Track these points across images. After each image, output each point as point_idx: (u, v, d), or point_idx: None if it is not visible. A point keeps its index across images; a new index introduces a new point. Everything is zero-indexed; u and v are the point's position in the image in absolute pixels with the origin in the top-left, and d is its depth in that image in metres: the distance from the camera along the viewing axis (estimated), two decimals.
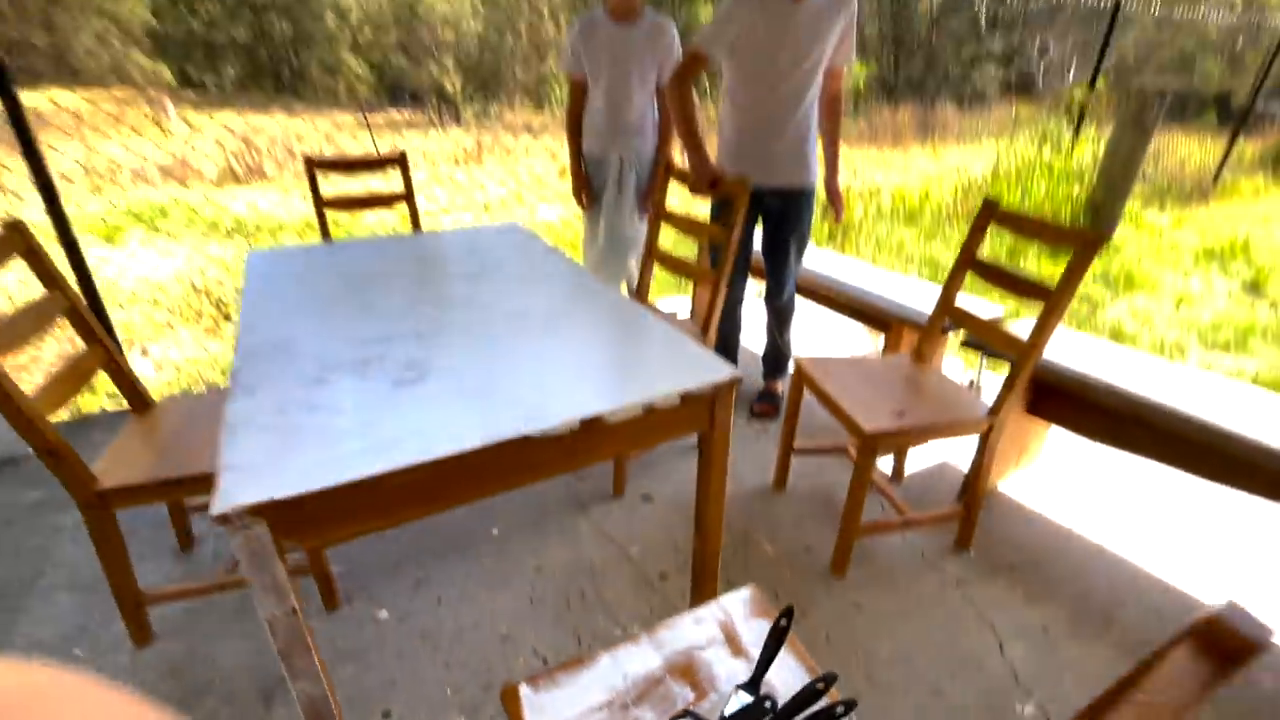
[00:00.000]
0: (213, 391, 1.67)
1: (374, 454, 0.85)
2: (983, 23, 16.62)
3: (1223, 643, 0.40)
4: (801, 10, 1.85)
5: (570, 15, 17.55)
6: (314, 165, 2.21)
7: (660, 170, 2.04)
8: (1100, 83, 6.20)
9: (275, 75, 24.25)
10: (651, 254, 2.02)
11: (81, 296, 1.49)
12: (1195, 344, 3.47)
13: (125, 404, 2.51)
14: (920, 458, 2.19)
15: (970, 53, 18.59)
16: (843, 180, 2.37)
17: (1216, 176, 6.64)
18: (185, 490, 1.32)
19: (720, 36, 1.91)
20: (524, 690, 0.86)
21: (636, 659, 0.92)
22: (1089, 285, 4.20)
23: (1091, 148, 5.21)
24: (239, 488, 0.78)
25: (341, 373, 1.08)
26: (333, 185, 2.37)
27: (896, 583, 1.68)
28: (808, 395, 1.81)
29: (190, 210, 5.68)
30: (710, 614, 0.98)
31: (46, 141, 2.12)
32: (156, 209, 5.84)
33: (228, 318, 3.60)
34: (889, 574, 1.71)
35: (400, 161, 2.29)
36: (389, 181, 2.39)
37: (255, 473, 0.82)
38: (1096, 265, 4.50)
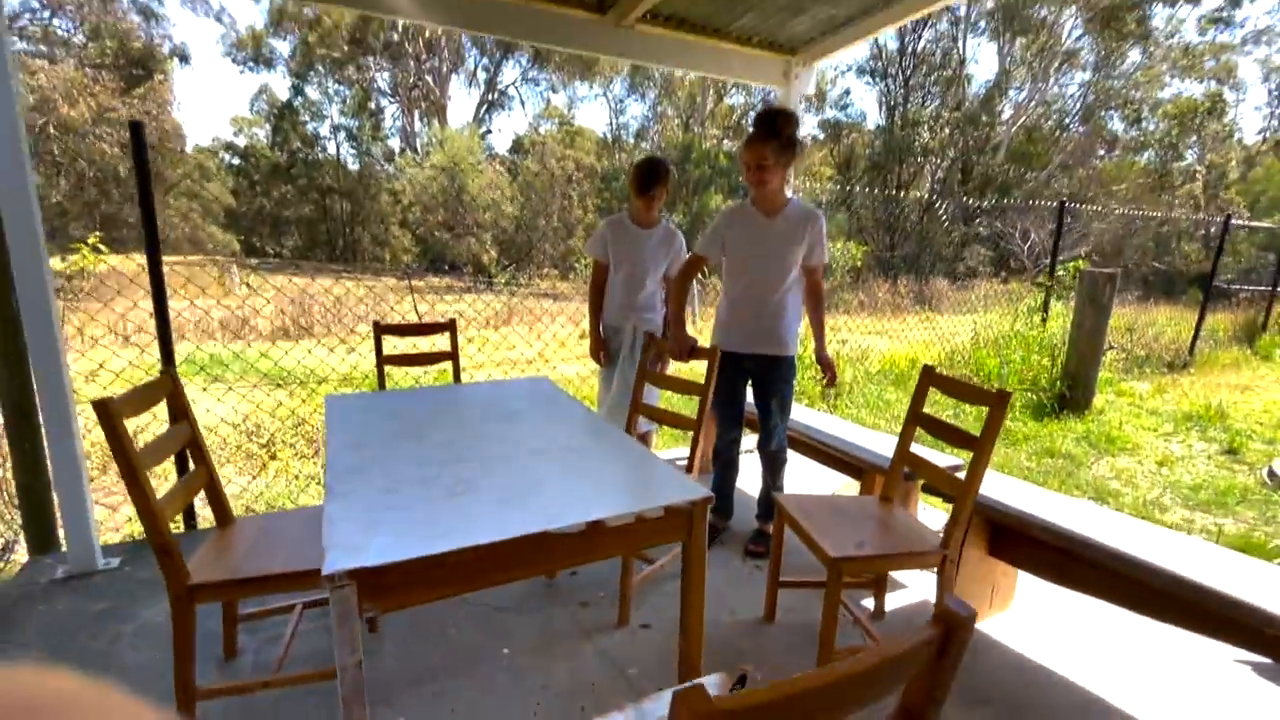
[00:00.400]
0: (281, 513, 1.97)
1: (434, 540, 1.15)
2: (942, 213, 18.43)
3: (950, 619, 0.67)
4: (775, 225, 2.40)
5: (596, 199, 19.86)
6: (380, 330, 2.69)
7: (647, 342, 2.48)
8: (1078, 263, 6.93)
9: (331, 246, 26.99)
10: (636, 407, 2.39)
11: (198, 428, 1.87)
12: (1177, 503, 3.65)
13: (183, 528, 2.81)
14: (901, 599, 2.36)
15: (960, 236, 20.48)
16: (834, 348, 2.79)
17: (1192, 348, 7.11)
18: (256, 589, 1.59)
19: (714, 243, 2.46)
20: None
21: None
22: (1072, 445, 4.46)
23: (1062, 321, 5.74)
24: (339, 559, 1.08)
25: (408, 485, 1.40)
26: (384, 344, 2.84)
27: None
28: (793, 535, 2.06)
29: (247, 361, 6.31)
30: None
31: (131, 298, 2.64)
32: (216, 359, 6.48)
33: (274, 458, 3.97)
34: None
35: (450, 327, 2.78)
36: (433, 342, 2.86)
37: (349, 550, 1.12)
38: (1078, 427, 4.80)
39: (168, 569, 1.51)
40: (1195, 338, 7.22)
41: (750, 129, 2.32)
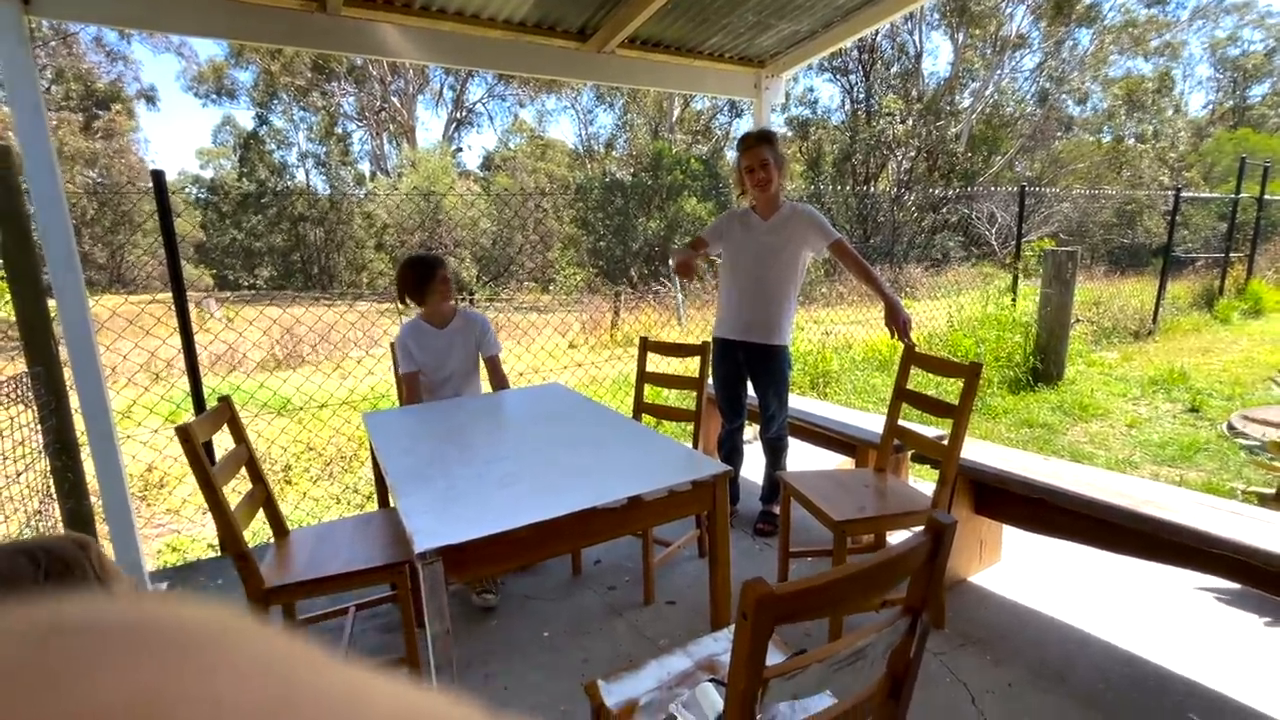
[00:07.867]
0: (330, 523, 2.14)
1: (500, 520, 1.34)
2: (910, 203, 18.94)
3: (936, 525, 0.88)
4: (770, 225, 2.61)
5: (570, 210, 20.07)
6: None
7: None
8: (1042, 243, 7.25)
9: (306, 274, 26.82)
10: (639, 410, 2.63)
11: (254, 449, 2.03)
12: (1147, 460, 3.93)
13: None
14: None
15: (930, 223, 21.00)
16: (819, 339, 2.96)
17: (1155, 316, 7.48)
18: (323, 588, 1.75)
19: (715, 236, 2.71)
20: (600, 683, 1.27)
21: (674, 663, 1.32)
22: (1048, 414, 4.74)
23: (1032, 300, 6.04)
24: (426, 540, 1.27)
25: (462, 482, 1.59)
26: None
27: None
28: (799, 510, 2.27)
29: (247, 393, 6.39)
30: (725, 634, 1.40)
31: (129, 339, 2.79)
32: (212, 392, 6.54)
33: (290, 483, 4.09)
34: None
35: None
36: None
37: (430, 534, 1.30)
38: (1052, 397, 5.08)
39: (246, 574, 1.67)
40: (1158, 307, 7.60)
41: (740, 141, 2.58)
